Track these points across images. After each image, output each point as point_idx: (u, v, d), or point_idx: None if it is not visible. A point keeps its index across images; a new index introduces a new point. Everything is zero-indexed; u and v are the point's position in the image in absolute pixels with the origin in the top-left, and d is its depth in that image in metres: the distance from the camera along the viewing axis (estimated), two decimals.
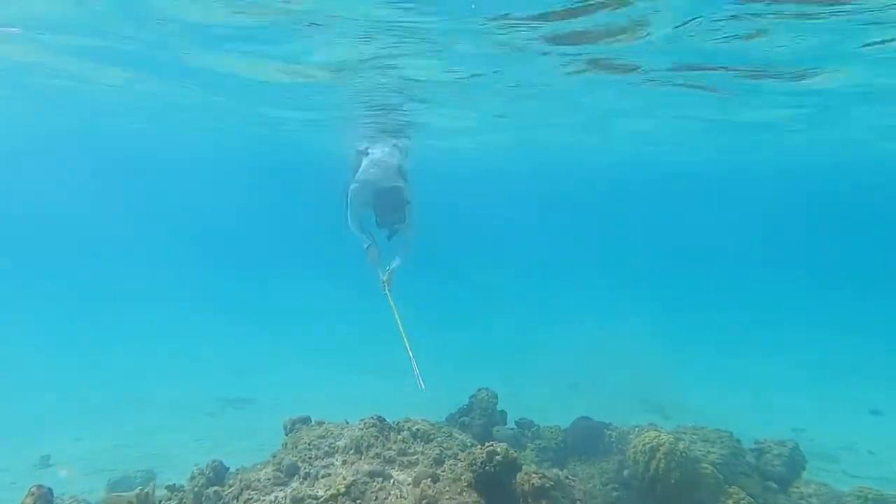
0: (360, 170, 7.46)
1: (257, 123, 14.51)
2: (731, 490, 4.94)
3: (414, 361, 5.77)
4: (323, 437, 4.89)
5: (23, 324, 17.67)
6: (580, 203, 42.42)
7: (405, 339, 5.97)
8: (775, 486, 5.38)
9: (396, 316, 6.27)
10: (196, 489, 4.57)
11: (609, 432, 5.93)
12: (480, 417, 6.75)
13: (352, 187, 7.23)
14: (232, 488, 4.44)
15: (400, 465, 4.48)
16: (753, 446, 5.88)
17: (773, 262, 40.41)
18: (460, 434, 5.32)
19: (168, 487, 4.64)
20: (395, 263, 7.10)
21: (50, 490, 4.11)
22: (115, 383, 13.18)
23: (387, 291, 6.78)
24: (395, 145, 8.70)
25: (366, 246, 7.21)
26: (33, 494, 4.00)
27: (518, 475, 3.87)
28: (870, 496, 4.90)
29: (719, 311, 24.88)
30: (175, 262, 33.85)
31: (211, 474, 4.71)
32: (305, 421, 5.33)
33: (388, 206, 6.85)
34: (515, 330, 19.57)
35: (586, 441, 6.05)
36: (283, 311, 22.57)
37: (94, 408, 11.72)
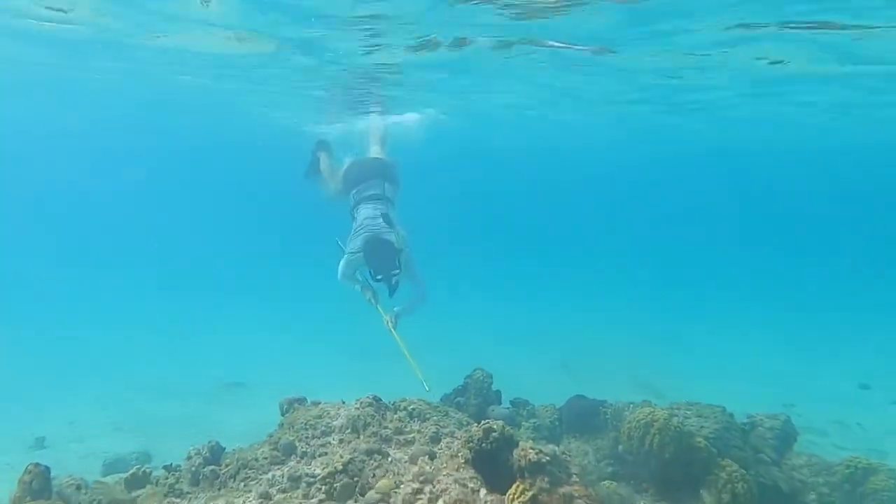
0: (350, 237, 7.22)
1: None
2: (723, 463, 5.00)
3: (417, 369, 5.85)
4: (319, 416, 4.90)
5: (14, 306, 17.52)
6: (569, 182, 42.40)
7: (411, 361, 5.99)
8: (767, 458, 5.45)
9: (403, 347, 6.20)
10: (193, 469, 4.58)
11: (604, 409, 5.98)
12: (476, 397, 6.79)
13: (343, 260, 7.05)
14: (229, 467, 4.45)
15: (397, 444, 4.50)
16: (746, 420, 5.95)
17: (762, 239, 40.76)
18: (456, 413, 5.35)
19: (165, 467, 4.65)
20: (405, 306, 6.95)
21: (47, 468, 4.10)
22: (109, 366, 13.14)
23: (391, 327, 6.62)
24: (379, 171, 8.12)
25: (359, 288, 7.10)
26: (31, 472, 3.98)
27: (514, 451, 3.89)
28: (859, 466, 4.99)
29: (709, 291, 25.09)
30: (166, 243, 33.71)
31: (207, 454, 4.71)
32: (301, 401, 5.33)
33: (379, 259, 6.62)
34: (506, 311, 19.66)
35: (581, 418, 6.10)
36: (278, 295, 22.51)
37: (88, 390, 11.68)
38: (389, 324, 6.63)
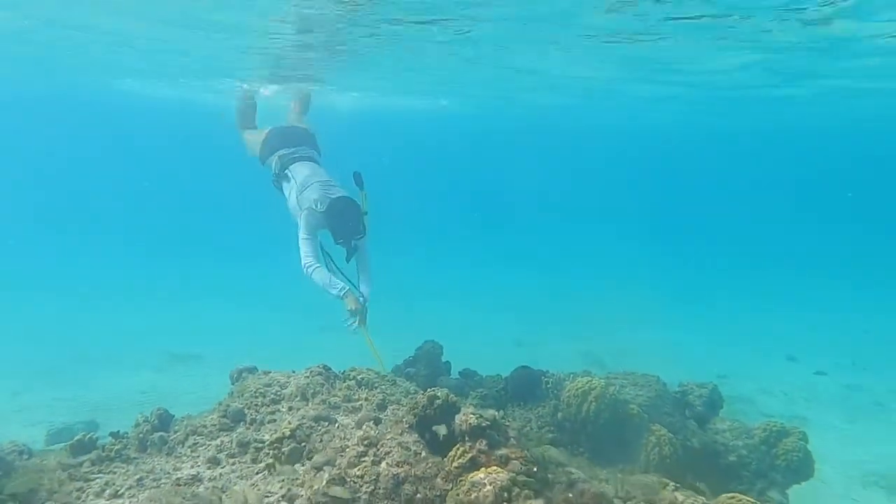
0: (297, 199, 6.45)
1: None
2: (653, 428, 5.38)
3: (376, 352, 5.84)
4: (269, 385, 4.99)
5: None
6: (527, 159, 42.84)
7: (370, 343, 5.89)
8: (694, 423, 5.87)
9: (373, 348, 5.93)
10: (141, 435, 4.62)
11: (546, 379, 6.26)
12: (426, 368, 7.01)
13: (302, 222, 6.25)
14: (178, 434, 4.51)
15: (345, 411, 4.65)
16: (678, 389, 6.36)
17: (704, 217, 42.36)
18: (404, 382, 5.53)
19: (112, 434, 4.66)
20: (366, 291, 6.36)
21: None
22: (54, 338, 12.76)
23: (363, 328, 6.12)
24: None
25: (341, 294, 6.12)
26: None
27: (456, 416, 4.09)
28: (773, 429, 5.44)
29: (655, 268, 26.00)
30: (119, 216, 32.50)
31: (156, 421, 4.75)
32: (252, 370, 5.40)
33: (345, 221, 6.06)
34: (464, 290, 19.95)
35: (525, 388, 6.37)
36: (236, 268, 22.13)
37: (33, 362, 11.35)
38: (360, 325, 6.15)
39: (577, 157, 44.23)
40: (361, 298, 6.24)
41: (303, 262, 6.12)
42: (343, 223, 6.08)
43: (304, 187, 6.44)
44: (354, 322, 6.13)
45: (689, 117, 21.31)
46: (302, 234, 6.21)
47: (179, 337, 13.22)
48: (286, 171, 6.80)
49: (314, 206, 6.16)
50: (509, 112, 21.72)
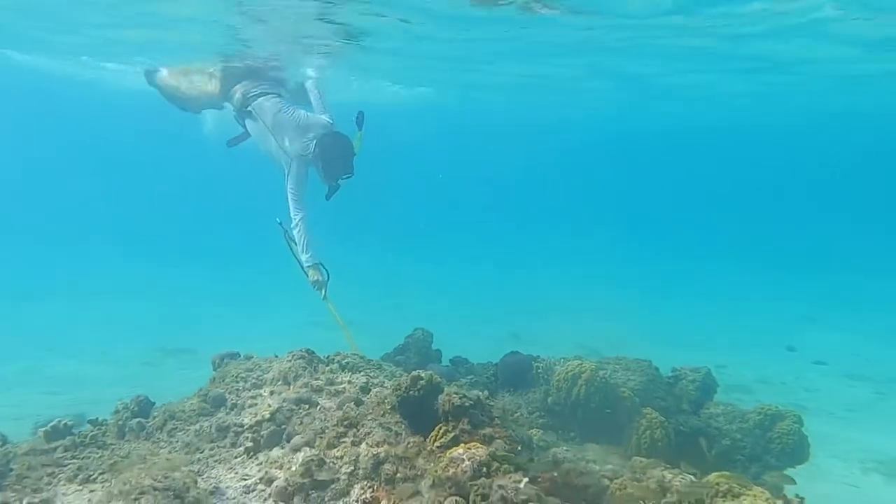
0: (278, 143, 6.17)
1: None
2: (645, 411, 5.28)
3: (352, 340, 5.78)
4: (251, 370, 4.89)
5: None
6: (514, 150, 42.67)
7: (349, 336, 5.85)
8: (687, 407, 5.77)
9: (338, 318, 5.90)
10: (120, 422, 4.52)
11: (537, 364, 6.16)
12: (415, 356, 6.92)
13: (293, 168, 6.00)
14: (156, 419, 4.41)
15: (327, 394, 4.54)
16: (670, 374, 6.25)
17: (699, 206, 42.30)
18: (390, 367, 5.43)
19: (90, 421, 4.57)
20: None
21: None
22: (44, 333, 12.68)
23: (328, 301, 6.03)
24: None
25: (310, 263, 5.98)
26: None
27: (439, 396, 3.99)
28: (768, 413, 5.34)
29: (653, 258, 25.94)
30: (113, 208, 32.42)
31: (136, 408, 4.66)
32: (234, 356, 5.30)
33: (338, 156, 5.86)
34: (461, 284, 19.86)
35: (515, 374, 6.27)
36: (229, 262, 22.04)
37: (23, 357, 11.27)
38: (324, 293, 6.08)
39: (570, 154, 44.18)
40: (325, 272, 6.10)
41: (297, 214, 5.94)
42: (335, 161, 5.88)
43: (283, 127, 6.11)
44: (321, 292, 6.05)
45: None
46: (292, 184, 5.99)
47: (171, 333, 13.13)
48: (249, 107, 6.48)
49: (304, 152, 5.94)
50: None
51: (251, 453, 3.94)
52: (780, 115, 19.73)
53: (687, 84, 14.14)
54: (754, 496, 3.36)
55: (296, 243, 5.99)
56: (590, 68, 12.51)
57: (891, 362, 12.61)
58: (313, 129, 6.13)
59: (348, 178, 5.99)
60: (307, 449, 3.70)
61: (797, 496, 3.59)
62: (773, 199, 43.54)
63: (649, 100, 17.62)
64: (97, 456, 3.90)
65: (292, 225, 6.00)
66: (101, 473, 3.60)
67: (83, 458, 3.87)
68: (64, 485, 3.54)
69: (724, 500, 3.40)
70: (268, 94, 6.58)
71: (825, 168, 41.39)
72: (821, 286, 20.52)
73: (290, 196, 5.98)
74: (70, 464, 3.75)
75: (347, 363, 4.96)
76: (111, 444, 4.17)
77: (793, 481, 5.01)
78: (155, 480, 3.05)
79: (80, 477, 3.59)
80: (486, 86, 15.55)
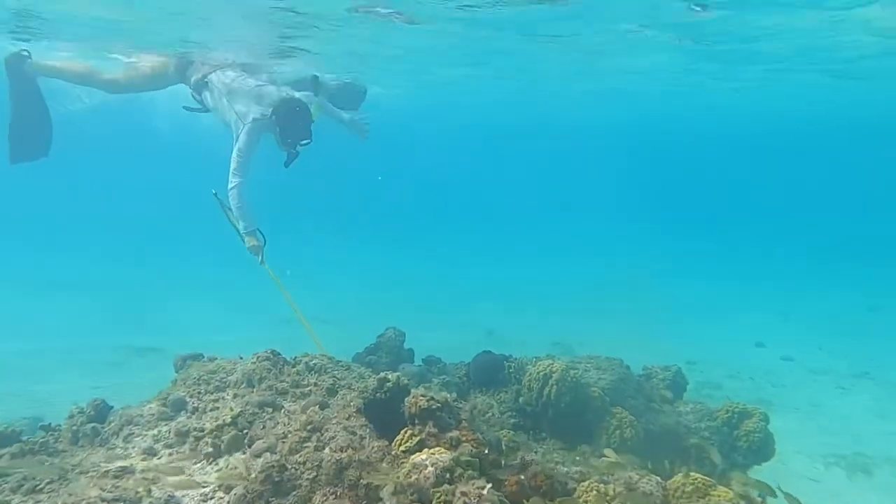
0: (234, 109, 6.13)
1: None
2: (615, 411, 5.28)
3: (310, 328, 5.77)
4: (214, 372, 4.74)
5: None
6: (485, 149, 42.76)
7: (298, 313, 5.84)
8: (657, 405, 5.79)
9: (282, 288, 5.88)
10: (74, 428, 4.33)
11: (508, 364, 6.11)
12: (387, 356, 6.80)
13: (246, 132, 5.93)
14: (112, 424, 4.24)
15: (293, 397, 4.43)
16: (641, 372, 6.27)
17: (675, 206, 42.93)
18: (359, 368, 5.32)
19: (42, 427, 4.37)
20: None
21: None
22: (5, 331, 12.22)
23: (265, 265, 6.07)
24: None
25: (248, 230, 6.01)
26: None
27: (406, 399, 3.91)
28: (735, 410, 5.38)
29: (628, 256, 26.17)
30: (77, 206, 31.51)
31: (92, 412, 4.47)
32: (197, 357, 5.14)
33: (296, 121, 5.85)
34: (435, 280, 19.77)
35: (487, 373, 6.20)
36: (201, 262, 21.59)
37: None
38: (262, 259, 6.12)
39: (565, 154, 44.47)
40: (262, 237, 6.11)
41: (235, 178, 5.88)
42: (293, 125, 5.86)
43: (240, 94, 6.12)
44: (258, 257, 6.07)
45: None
46: (241, 147, 5.92)
47: (139, 332, 12.79)
48: (206, 78, 6.48)
49: (262, 116, 5.91)
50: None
51: (211, 459, 3.80)
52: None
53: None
54: (719, 496, 3.36)
55: (231, 210, 5.98)
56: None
57: (853, 356, 12.94)
58: (271, 95, 6.17)
59: (307, 144, 6.00)
60: (268, 454, 3.57)
61: (779, 488, 3.62)
62: (753, 196, 44.29)
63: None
64: (47, 464, 3.72)
65: (228, 188, 5.93)
66: (48, 483, 3.42)
67: (31, 466, 3.69)
68: (8, 496, 3.36)
69: (689, 501, 3.40)
70: (227, 68, 6.60)
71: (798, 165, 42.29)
72: (789, 284, 20.96)
73: (234, 159, 5.90)
74: (15, 473, 3.56)
75: (314, 365, 4.84)
76: (63, 450, 3.99)
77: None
78: (103, 491, 2.90)
79: (26, 487, 3.41)
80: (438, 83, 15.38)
